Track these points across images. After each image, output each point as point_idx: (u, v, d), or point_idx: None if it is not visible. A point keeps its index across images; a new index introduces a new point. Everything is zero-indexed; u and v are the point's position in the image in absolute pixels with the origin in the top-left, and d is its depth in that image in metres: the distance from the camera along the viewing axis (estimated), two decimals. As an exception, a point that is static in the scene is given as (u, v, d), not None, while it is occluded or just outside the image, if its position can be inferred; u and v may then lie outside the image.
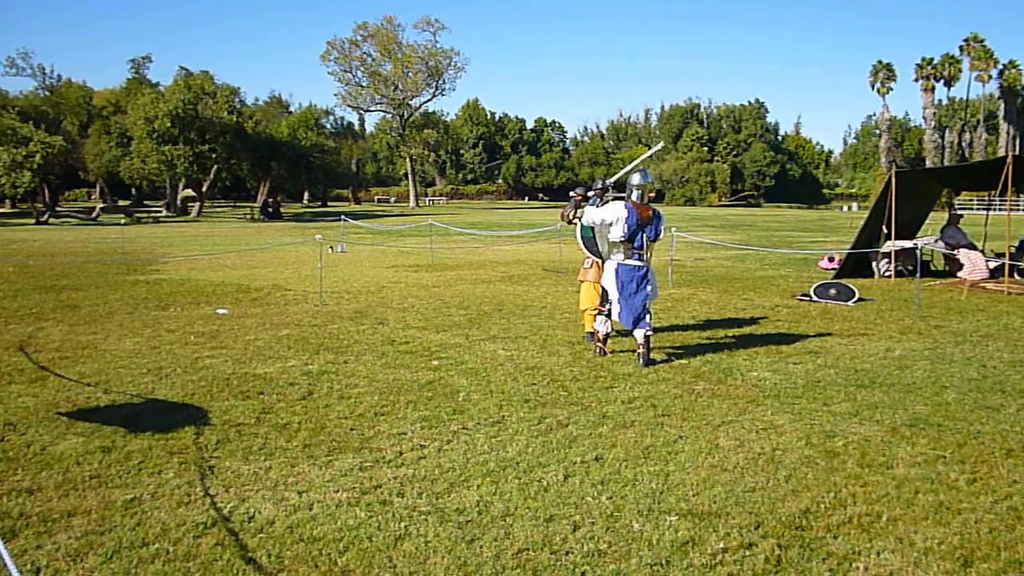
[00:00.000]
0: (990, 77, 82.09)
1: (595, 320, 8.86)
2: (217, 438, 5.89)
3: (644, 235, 8.38)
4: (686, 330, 10.46)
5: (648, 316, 8.36)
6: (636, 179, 8.46)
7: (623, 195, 8.65)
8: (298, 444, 5.77)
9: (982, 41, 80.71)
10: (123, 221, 43.77)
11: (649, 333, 8.35)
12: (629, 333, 8.74)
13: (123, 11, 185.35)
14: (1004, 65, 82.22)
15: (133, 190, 71.28)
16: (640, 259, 8.39)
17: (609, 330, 8.80)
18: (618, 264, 8.39)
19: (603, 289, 8.64)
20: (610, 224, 8.35)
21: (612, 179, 9.43)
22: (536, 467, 5.28)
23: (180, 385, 7.48)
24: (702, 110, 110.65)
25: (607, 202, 8.79)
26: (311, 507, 4.63)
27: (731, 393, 7.19)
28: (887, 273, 16.16)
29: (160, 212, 61.76)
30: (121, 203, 69.01)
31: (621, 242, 8.33)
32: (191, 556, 4.04)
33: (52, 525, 4.39)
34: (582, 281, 9.66)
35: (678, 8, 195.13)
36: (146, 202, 70.82)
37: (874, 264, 16.53)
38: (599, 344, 8.80)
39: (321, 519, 4.47)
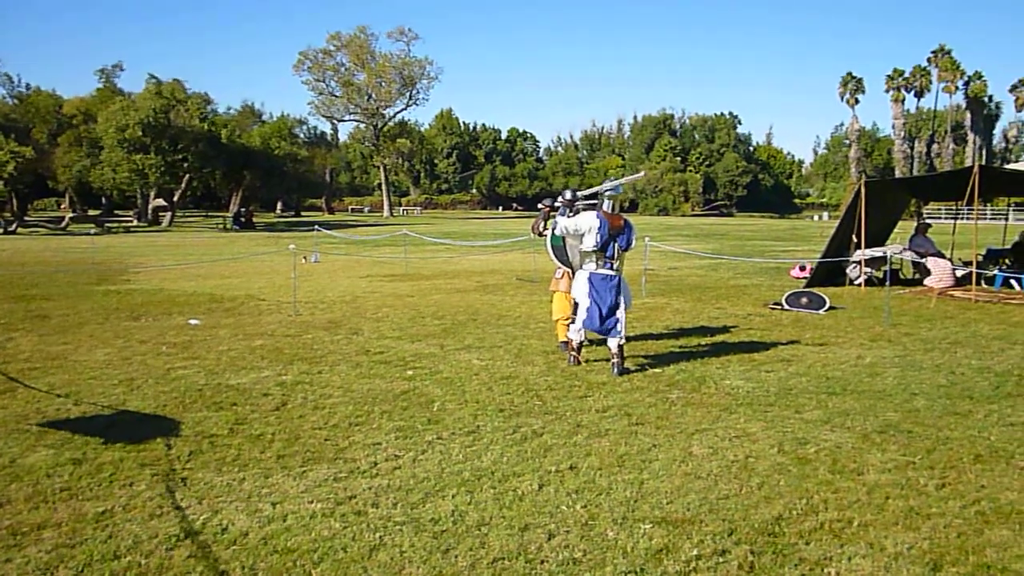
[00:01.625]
0: (957, 88, 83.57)
1: (568, 330, 8.90)
2: (190, 449, 5.84)
3: (616, 245, 8.41)
4: (660, 339, 10.52)
5: (620, 325, 8.38)
6: (607, 190, 8.53)
7: (595, 202, 8.69)
8: (272, 455, 5.74)
9: (949, 52, 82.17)
10: (93, 231, 43.31)
11: (622, 342, 8.41)
12: (603, 341, 8.80)
13: (93, 21, 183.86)
14: (970, 76, 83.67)
15: (103, 199, 70.51)
16: (612, 268, 8.44)
17: (583, 339, 8.80)
18: (590, 273, 8.43)
19: (574, 299, 8.65)
20: (582, 234, 8.37)
21: (587, 191, 9.30)
22: (511, 476, 5.29)
23: (152, 396, 7.42)
24: (675, 120, 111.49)
25: (577, 212, 8.81)
26: (285, 518, 4.61)
27: (705, 401, 7.24)
28: (858, 281, 16.34)
29: (131, 222, 61.15)
30: (91, 212, 68.22)
31: (593, 251, 8.36)
32: (163, 569, 4.01)
33: (22, 538, 4.34)
34: (554, 291, 9.70)
35: (651, 20, 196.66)
36: (116, 211, 69.97)
37: (848, 270, 16.68)
38: (573, 353, 8.83)
39: (295, 530, 4.45)
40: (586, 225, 8.33)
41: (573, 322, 8.66)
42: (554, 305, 9.73)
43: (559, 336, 9.58)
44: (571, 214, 8.82)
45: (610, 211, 8.46)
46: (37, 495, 4.94)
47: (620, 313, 8.42)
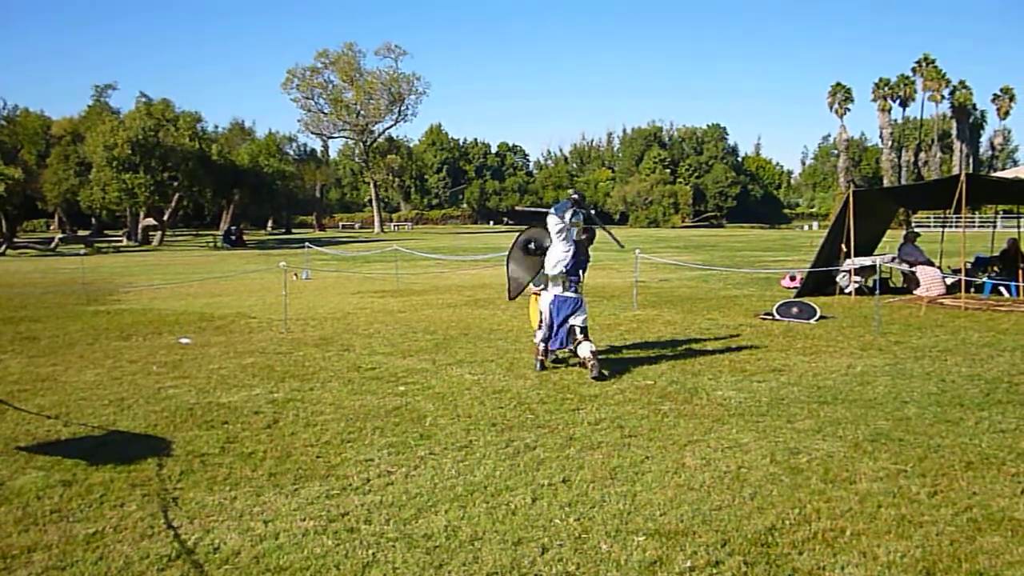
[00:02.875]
0: (942, 97, 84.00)
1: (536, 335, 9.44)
2: (181, 469, 5.82)
3: (581, 270, 9.06)
4: (651, 350, 10.53)
5: (581, 333, 8.89)
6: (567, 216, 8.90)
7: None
8: (263, 473, 5.72)
9: (933, 62, 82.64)
10: (83, 251, 43.14)
11: (584, 344, 8.84)
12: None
13: (81, 41, 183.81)
14: (955, 85, 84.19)
15: (93, 219, 70.35)
16: (575, 291, 9.03)
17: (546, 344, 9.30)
18: (555, 295, 8.98)
19: (540, 313, 9.32)
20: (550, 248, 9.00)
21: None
22: (504, 490, 5.28)
23: (142, 416, 7.38)
24: (664, 132, 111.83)
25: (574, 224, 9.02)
26: (277, 536, 4.59)
27: (697, 412, 7.25)
28: (848, 290, 16.39)
29: (121, 241, 60.97)
30: (81, 233, 68.04)
31: (560, 275, 8.92)
32: (155, 589, 3.98)
33: (12, 561, 4.31)
34: (533, 295, 10.08)
35: (639, 33, 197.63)
36: (106, 231, 69.81)
37: (839, 279, 16.71)
38: (540, 358, 9.27)
39: (288, 548, 4.43)
40: (562, 249, 8.86)
41: (540, 329, 9.26)
42: (532, 313, 10.16)
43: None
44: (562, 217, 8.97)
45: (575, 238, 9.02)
46: (27, 517, 4.91)
47: (570, 322, 8.93)
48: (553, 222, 8.83)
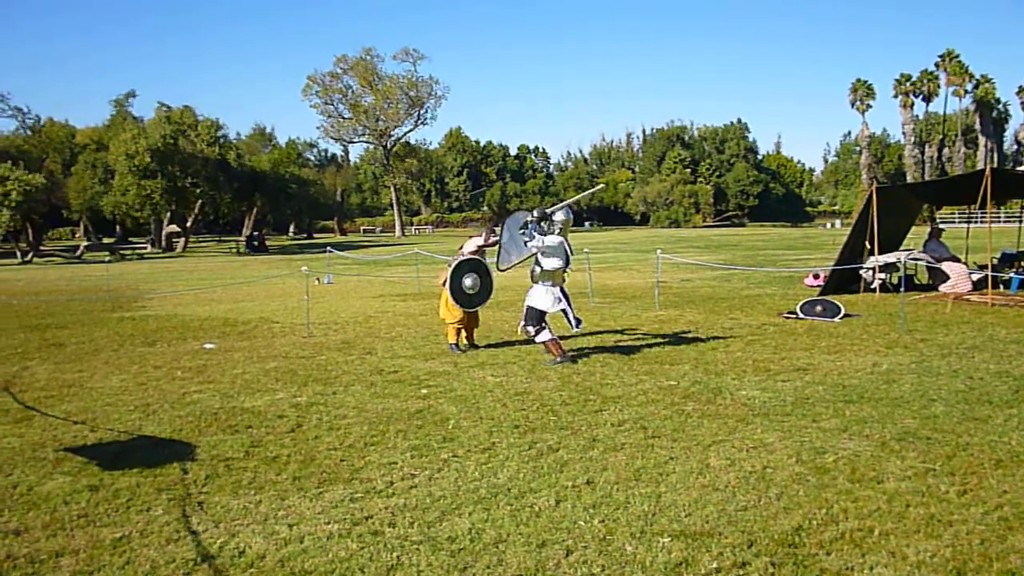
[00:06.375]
0: (966, 92, 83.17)
1: (538, 335, 9.82)
2: (206, 473, 5.85)
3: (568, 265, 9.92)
4: (674, 351, 10.47)
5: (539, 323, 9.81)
6: (560, 216, 9.73)
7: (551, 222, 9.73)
8: (288, 477, 5.74)
9: (957, 56, 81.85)
10: (108, 259, 43.53)
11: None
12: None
13: (103, 48, 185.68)
14: (978, 80, 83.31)
15: (117, 227, 71.08)
16: (562, 283, 9.91)
17: (554, 335, 9.86)
18: (560, 287, 9.82)
19: (536, 310, 9.81)
20: (554, 248, 9.61)
21: (551, 208, 9.96)
22: (527, 492, 5.26)
23: (167, 421, 7.43)
24: (686, 132, 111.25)
25: (545, 232, 9.69)
26: (302, 540, 4.60)
27: (720, 412, 7.20)
28: (873, 286, 16.24)
29: (145, 248, 61.56)
30: (106, 240, 68.78)
31: (561, 270, 9.77)
32: (181, 593, 4.00)
33: (40, 566, 4.34)
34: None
35: (658, 32, 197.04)
36: (131, 239, 70.55)
37: (865, 274, 16.54)
38: (562, 353, 9.66)
39: (312, 551, 4.44)
40: (560, 249, 9.66)
41: (542, 329, 9.79)
42: (441, 307, 10.93)
43: (449, 338, 10.91)
44: (538, 231, 9.70)
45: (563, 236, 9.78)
46: (55, 522, 4.95)
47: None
48: (535, 243, 9.64)
